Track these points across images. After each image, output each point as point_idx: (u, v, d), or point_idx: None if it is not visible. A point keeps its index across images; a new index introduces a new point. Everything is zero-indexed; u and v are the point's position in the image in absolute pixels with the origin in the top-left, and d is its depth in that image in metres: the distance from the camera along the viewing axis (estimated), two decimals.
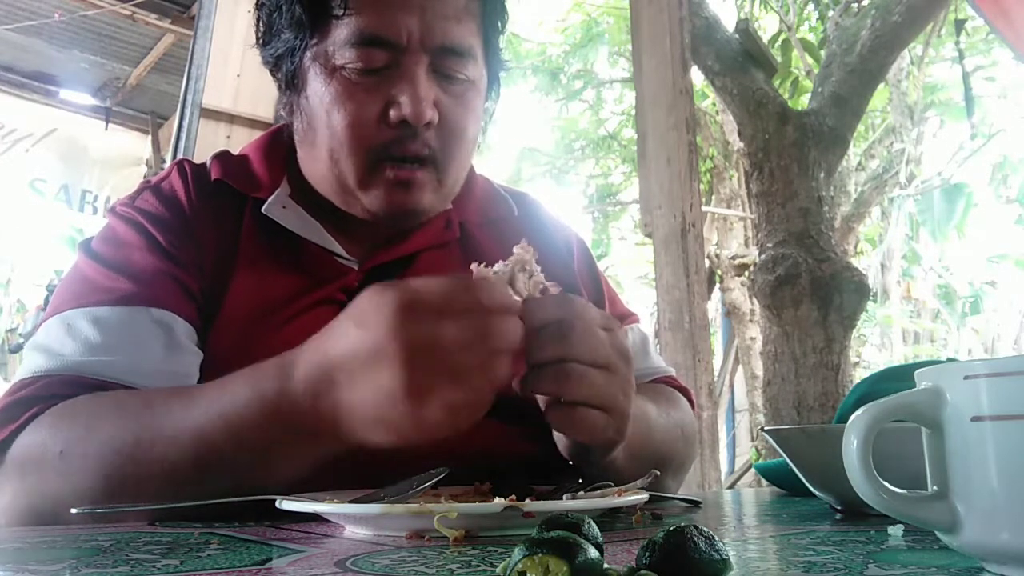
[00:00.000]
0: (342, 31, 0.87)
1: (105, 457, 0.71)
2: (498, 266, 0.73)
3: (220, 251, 0.91)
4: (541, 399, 0.74)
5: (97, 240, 0.92)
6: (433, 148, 0.89)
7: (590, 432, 0.74)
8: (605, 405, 0.73)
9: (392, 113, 0.86)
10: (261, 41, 0.95)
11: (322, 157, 0.90)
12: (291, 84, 0.92)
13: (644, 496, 0.66)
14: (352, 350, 0.62)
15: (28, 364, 0.82)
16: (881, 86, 5.50)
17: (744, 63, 4.33)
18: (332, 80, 0.87)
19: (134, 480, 0.71)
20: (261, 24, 0.94)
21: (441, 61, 0.88)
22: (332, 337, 0.65)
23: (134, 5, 4.69)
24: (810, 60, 6.24)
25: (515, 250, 0.74)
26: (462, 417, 0.61)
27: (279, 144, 1.00)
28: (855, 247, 6.72)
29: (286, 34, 0.90)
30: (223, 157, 0.99)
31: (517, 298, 0.71)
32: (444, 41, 0.88)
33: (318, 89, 0.89)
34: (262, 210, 0.92)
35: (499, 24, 0.97)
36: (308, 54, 0.89)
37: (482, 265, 0.73)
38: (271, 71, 0.95)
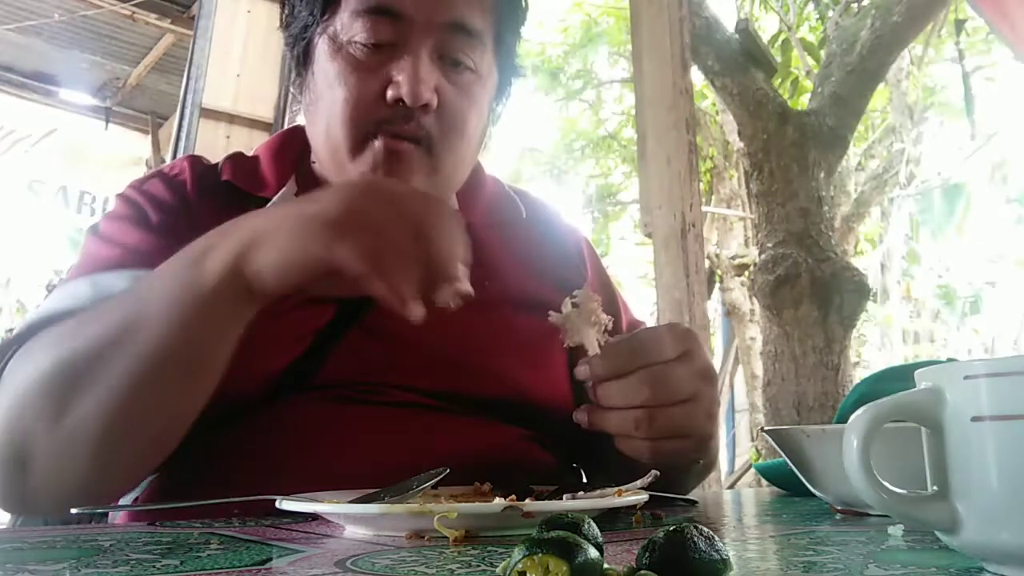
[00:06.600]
0: (351, 3, 0.89)
1: (46, 380, 0.71)
2: (567, 309, 0.75)
3: None
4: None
5: (103, 219, 0.96)
6: (429, 132, 0.89)
7: (670, 458, 0.75)
8: (687, 434, 0.74)
9: (390, 92, 0.87)
10: (284, 23, 0.97)
11: (320, 131, 0.92)
12: (302, 62, 0.95)
13: (644, 496, 0.66)
14: (296, 209, 0.68)
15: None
16: (881, 86, 5.50)
17: (744, 63, 4.32)
18: (338, 56, 0.89)
19: (82, 394, 0.70)
20: (285, 7, 0.97)
21: (449, 41, 0.89)
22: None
23: (134, 5, 4.69)
24: (810, 60, 6.24)
25: (578, 295, 0.75)
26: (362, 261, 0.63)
27: (291, 144, 1.02)
28: (855, 247, 6.72)
29: (302, 12, 0.93)
30: (235, 159, 1.01)
31: (593, 350, 0.73)
32: (454, 17, 0.89)
33: (324, 65, 0.91)
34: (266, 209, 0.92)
35: (514, 23, 0.98)
36: (319, 30, 0.92)
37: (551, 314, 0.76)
38: (289, 52, 0.98)
